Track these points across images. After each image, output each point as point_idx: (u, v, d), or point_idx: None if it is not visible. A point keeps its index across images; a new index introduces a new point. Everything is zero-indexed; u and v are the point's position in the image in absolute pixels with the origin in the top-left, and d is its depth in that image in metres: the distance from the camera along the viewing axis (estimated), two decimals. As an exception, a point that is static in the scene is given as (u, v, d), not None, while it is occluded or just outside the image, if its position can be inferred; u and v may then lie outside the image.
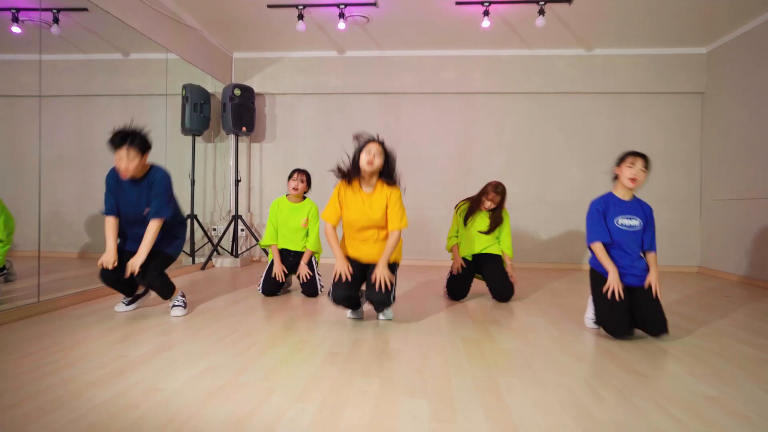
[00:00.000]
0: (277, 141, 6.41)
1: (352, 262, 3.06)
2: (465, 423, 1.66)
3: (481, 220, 3.96)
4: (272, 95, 6.42)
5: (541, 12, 4.76)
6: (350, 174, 3.03)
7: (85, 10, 4.41)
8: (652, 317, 2.75)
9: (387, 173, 3.02)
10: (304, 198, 4.15)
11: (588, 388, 2.02)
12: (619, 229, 2.85)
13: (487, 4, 4.75)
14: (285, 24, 5.36)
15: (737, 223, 5.29)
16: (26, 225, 3.86)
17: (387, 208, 3.02)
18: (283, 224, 4.06)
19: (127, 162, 2.93)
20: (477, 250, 3.97)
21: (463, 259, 3.98)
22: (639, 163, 2.81)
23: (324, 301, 3.79)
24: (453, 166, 6.18)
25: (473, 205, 3.98)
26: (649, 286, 2.81)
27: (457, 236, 4.03)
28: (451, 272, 4.00)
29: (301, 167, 4.23)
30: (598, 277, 2.92)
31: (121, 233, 3.22)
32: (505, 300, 3.87)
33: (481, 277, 4.04)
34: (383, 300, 2.92)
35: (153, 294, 3.55)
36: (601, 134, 6.09)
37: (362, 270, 3.08)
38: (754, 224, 5.01)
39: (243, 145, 6.40)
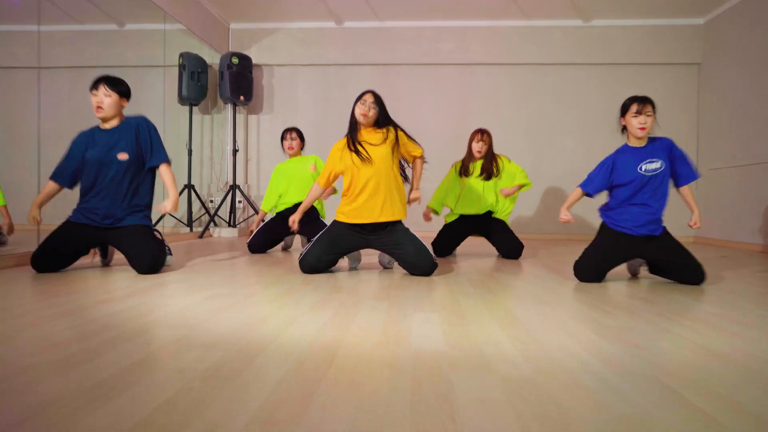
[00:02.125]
0: (275, 112, 6.38)
1: (346, 235, 2.91)
2: (476, 327, 1.67)
3: (478, 170, 3.96)
4: (270, 66, 6.39)
5: (541, -25, 4.75)
6: (350, 132, 2.98)
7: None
8: (689, 265, 2.65)
9: (384, 123, 2.98)
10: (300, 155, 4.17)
11: (595, 307, 2.03)
12: (646, 176, 2.73)
13: (486, -33, 4.74)
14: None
15: (733, 191, 5.32)
16: (25, 197, 3.82)
17: (394, 146, 2.94)
18: (290, 179, 4.05)
19: (101, 97, 2.79)
20: (482, 209, 3.92)
21: (460, 217, 3.98)
22: (644, 110, 2.72)
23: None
24: (450, 137, 6.17)
25: (466, 158, 3.98)
26: (667, 235, 2.76)
27: (443, 201, 4.05)
28: (439, 233, 4.02)
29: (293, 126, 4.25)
30: (605, 229, 2.87)
31: (83, 192, 2.90)
32: (516, 257, 3.89)
33: (480, 236, 4.04)
34: (428, 265, 2.80)
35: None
36: (596, 105, 6.10)
37: (354, 245, 2.94)
38: (749, 190, 5.04)
39: (240, 116, 6.37)
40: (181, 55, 5.57)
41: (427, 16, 6.00)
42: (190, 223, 5.60)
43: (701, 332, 1.64)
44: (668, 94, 6.06)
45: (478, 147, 3.91)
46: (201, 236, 5.51)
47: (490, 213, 3.96)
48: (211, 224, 5.81)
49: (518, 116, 6.21)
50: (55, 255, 2.76)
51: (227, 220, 5.99)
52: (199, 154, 6.15)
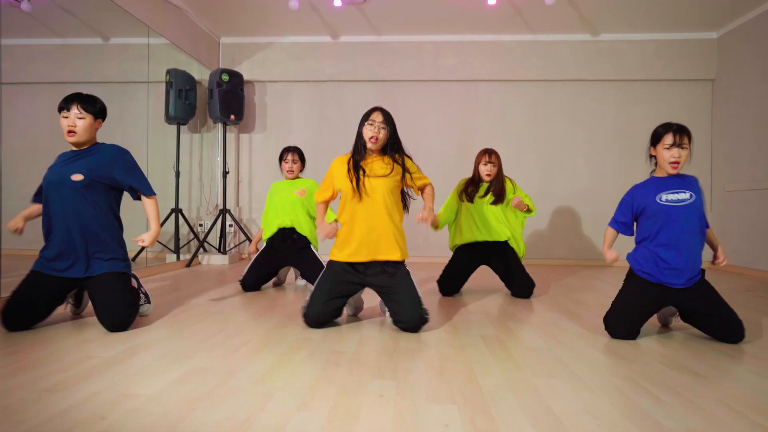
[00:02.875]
0: (268, 131, 6.06)
1: (344, 274, 2.60)
2: (509, 429, 1.35)
3: (483, 191, 3.61)
4: (262, 83, 6.07)
5: (551, -11, 4.47)
6: (355, 156, 2.63)
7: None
8: (728, 320, 2.34)
9: (394, 147, 2.65)
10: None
11: (640, 389, 1.72)
12: (666, 206, 2.36)
13: (492, -20, 4.46)
14: (275, 3, 5.02)
15: (751, 214, 5.03)
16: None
17: (401, 179, 2.65)
18: (278, 201, 3.75)
19: (74, 120, 2.45)
20: (492, 235, 3.56)
21: (463, 246, 3.65)
22: (680, 141, 2.35)
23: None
24: (453, 156, 5.86)
25: (474, 179, 3.65)
26: (704, 284, 2.41)
27: (450, 218, 3.70)
28: (447, 265, 3.68)
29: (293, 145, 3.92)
30: (633, 276, 2.52)
31: (47, 236, 2.53)
32: (527, 296, 3.54)
33: (489, 268, 3.72)
34: (416, 319, 2.47)
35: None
36: (607, 123, 5.81)
37: (353, 286, 2.63)
38: (764, 216, 4.76)
39: (231, 135, 6.04)
40: (168, 72, 5.25)
41: (428, 30, 5.71)
42: (177, 250, 5.27)
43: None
44: (681, 110, 5.78)
45: (486, 170, 3.57)
46: (189, 265, 5.17)
47: (500, 243, 3.61)
48: (200, 250, 5.48)
49: (525, 135, 5.91)
50: (28, 309, 2.40)
51: (217, 247, 5.65)
52: (188, 176, 5.82)
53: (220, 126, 5.85)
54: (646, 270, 2.44)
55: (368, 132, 2.56)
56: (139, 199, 2.65)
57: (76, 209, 2.46)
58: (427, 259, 5.77)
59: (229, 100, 5.46)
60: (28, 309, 2.41)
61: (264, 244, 3.81)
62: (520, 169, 5.79)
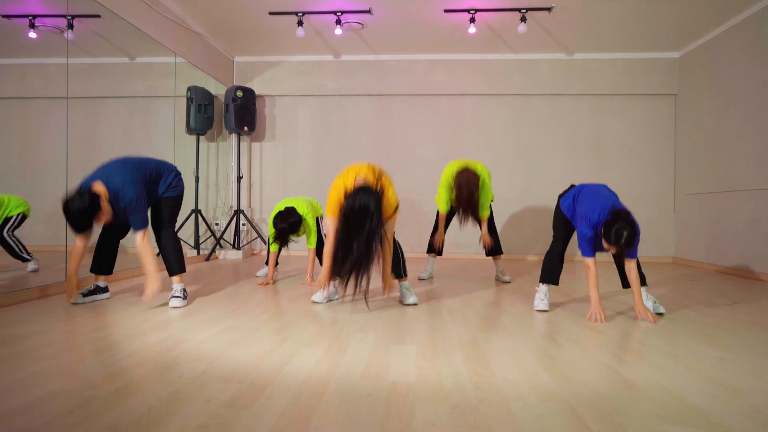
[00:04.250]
0: (277, 140, 6.77)
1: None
2: (443, 360, 2.03)
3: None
4: (272, 97, 6.79)
5: (523, 19, 5.15)
6: None
7: (98, 16, 4.74)
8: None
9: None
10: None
11: (551, 340, 2.39)
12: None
13: (473, 11, 5.14)
14: (285, 30, 5.73)
15: (707, 215, 5.69)
16: (51, 221, 4.15)
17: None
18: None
19: (95, 226, 2.98)
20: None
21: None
22: (614, 249, 2.76)
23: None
24: (443, 163, 6.53)
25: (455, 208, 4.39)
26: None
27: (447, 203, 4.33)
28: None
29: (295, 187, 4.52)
30: (560, 216, 3.23)
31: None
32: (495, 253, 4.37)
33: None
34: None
35: (107, 295, 3.36)
36: (581, 133, 6.48)
37: None
38: (723, 217, 5.41)
39: (244, 144, 6.76)
40: (189, 89, 5.95)
41: (420, 50, 6.40)
42: (197, 246, 5.97)
43: (629, 364, 2.00)
44: (647, 122, 6.45)
45: (462, 194, 4.16)
46: (208, 259, 5.87)
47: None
48: (217, 247, 6.18)
49: (508, 143, 6.59)
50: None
51: (232, 243, 6.36)
52: (206, 181, 6.52)
53: (234, 136, 6.55)
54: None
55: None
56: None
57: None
58: (421, 256, 6.46)
59: (243, 113, 6.17)
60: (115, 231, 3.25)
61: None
62: (503, 175, 6.47)
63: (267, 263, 4.45)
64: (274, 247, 4.18)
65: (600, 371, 1.90)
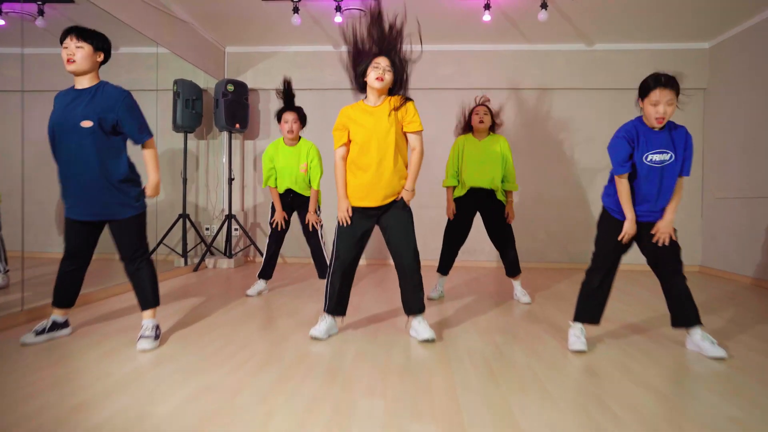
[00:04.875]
0: (272, 137, 6.26)
1: (356, 218, 2.82)
2: (479, 453, 1.55)
3: (477, 144, 3.89)
4: (266, 90, 6.27)
5: (544, 5, 4.62)
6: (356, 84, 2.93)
7: (71, 2, 4.25)
8: (667, 257, 2.62)
9: (398, 87, 2.87)
10: (300, 139, 4.05)
11: (603, 406, 1.91)
12: (648, 166, 2.55)
13: (488, -3, 4.62)
14: (280, 17, 5.20)
15: (740, 222, 5.20)
16: (10, 225, 3.73)
17: (398, 122, 2.80)
18: (281, 169, 3.96)
19: (72, 49, 2.46)
20: (480, 181, 3.78)
21: (461, 197, 3.86)
22: (665, 98, 2.50)
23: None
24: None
25: (465, 129, 4.00)
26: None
27: (456, 176, 3.87)
28: (448, 218, 3.91)
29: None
30: (610, 219, 2.70)
31: (59, 170, 2.60)
32: (505, 248, 3.86)
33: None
34: (413, 262, 2.79)
35: (67, 331, 2.84)
36: (602, 131, 5.96)
37: (365, 232, 2.84)
38: (757, 224, 4.92)
39: (236, 141, 6.25)
40: (176, 83, 5.44)
41: (426, 40, 5.83)
42: (185, 254, 5.48)
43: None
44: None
45: (478, 120, 3.89)
46: (196, 269, 5.39)
47: (493, 192, 3.84)
48: (207, 254, 5.69)
49: (521, 141, 6.08)
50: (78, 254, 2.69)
51: (223, 251, 5.87)
52: (195, 182, 6.02)
53: (225, 133, 6.04)
54: (620, 214, 2.65)
55: (374, 73, 2.79)
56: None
57: (87, 155, 2.52)
58: (426, 263, 5.97)
59: (234, 109, 5.65)
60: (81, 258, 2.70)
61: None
62: (516, 175, 5.96)
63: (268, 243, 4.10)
64: (271, 182, 3.99)
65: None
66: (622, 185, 2.60)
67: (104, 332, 2.89)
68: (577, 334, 2.70)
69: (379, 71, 2.75)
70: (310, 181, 4.03)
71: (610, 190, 2.72)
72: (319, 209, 4.10)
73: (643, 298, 4.06)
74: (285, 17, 5.14)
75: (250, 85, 6.13)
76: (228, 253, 5.82)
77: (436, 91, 6.13)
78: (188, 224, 5.57)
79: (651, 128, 2.60)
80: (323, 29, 5.55)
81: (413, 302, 2.83)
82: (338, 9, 4.79)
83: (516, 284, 3.97)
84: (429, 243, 5.99)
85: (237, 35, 5.83)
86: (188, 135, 5.68)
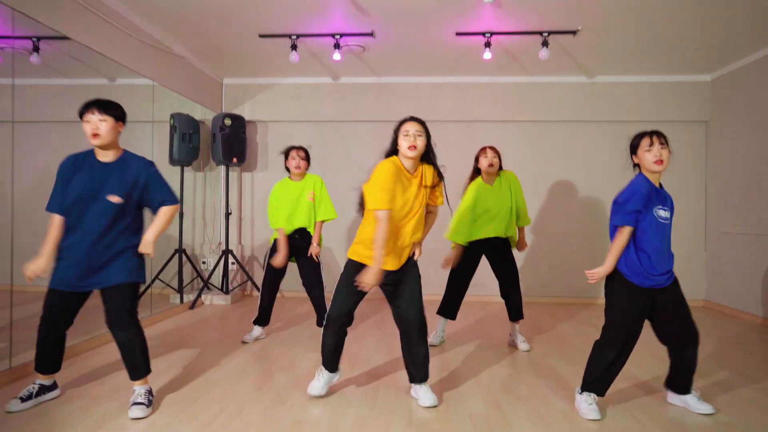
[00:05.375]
0: (270, 170, 6.18)
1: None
2: None
3: (489, 191, 3.85)
4: (264, 122, 6.21)
5: (545, 44, 4.58)
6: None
7: (66, 38, 4.20)
8: (682, 323, 2.54)
9: (429, 156, 2.73)
10: (305, 175, 4.10)
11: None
12: (658, 222, 2.49)
13: (488, 35, 4.57)
14: (277, 52, 5.15)
15: (745, 258, 5.12)
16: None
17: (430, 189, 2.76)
18: (288, 204, 3.94)
19: (96, 123, 2.48)
20: (491, 233, 3.78)
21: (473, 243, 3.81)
22: (657, 141, 2.52)
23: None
24: (451, 196, 5.94)
25: (473, 175, 4.00)
26: (677, 286, 2.59)
27: (467, 232, 3.80)
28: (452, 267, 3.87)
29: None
30: (624, 283, 2.52)
31: (64, 238, 2.57)
32: (511, 290, 3.80)
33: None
34: (421, 329, 2.67)
35: (56, 393, 2.74)
36: (603, 164, 5.90)
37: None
38: (763, 261, 4.84)
39: (234, 174, 6.18)
40: (172, 116, 5.38)
41: (426, 72, 5.84)
42: (180, 290, 5.39)
43: None
44: (676, 152, 5.73)
45: (486, 163, 3.88)
46: (192, 306, 5.29)
47: (502, 240, 3.84)
48: (204, 290, 5.60)
49: (523, 173, 5.94)
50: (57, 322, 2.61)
51: (220, 287, 5.77)
52: (191, 215, 5.94)
53: (222, 167, 5.97)
54: (637, 277, 2.51)
55: (406, 142, 2.61)
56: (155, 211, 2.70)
57: (104, 224, 2.53)
58: (429, 297, 5.88)
59: (232, 143, 5.59)
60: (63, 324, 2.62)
61: (273, 243, 4.03)
62: (517, 209, 5.90)
63: (260, 305, 4.04)
64: (281, 223, 3.92)
65: None
66: (621, 236, 2.51)
67: (94, 395, 2.79)
68: (590, 402, 2.56)
69: (410, 139, 2.60)
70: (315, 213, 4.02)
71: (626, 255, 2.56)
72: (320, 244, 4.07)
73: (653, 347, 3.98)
74: (283, 52, 5.08)
75: (247, 117, 6.07)
76: (225, 288, 5.72)
77: (437, 123, 6.05)
78: (184, 259, 5.48)
79: (655, 186, 2.56)
80: (321, 63, 5.51)
81: (417, 372, 2.71)
82: (337, 46, 4.73)
83: (516, 328, 3.88)
84: (432, 277, 5.90)
85: (235, 68, 5.79)
86: (185, 168, 5.61)
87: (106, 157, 2.58)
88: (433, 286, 5.76)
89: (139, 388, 2.59)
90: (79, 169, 2.56)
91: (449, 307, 3.93)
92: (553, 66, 5.52)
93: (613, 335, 2.54)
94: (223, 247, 5.77)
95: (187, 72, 5.36)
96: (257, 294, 5.90)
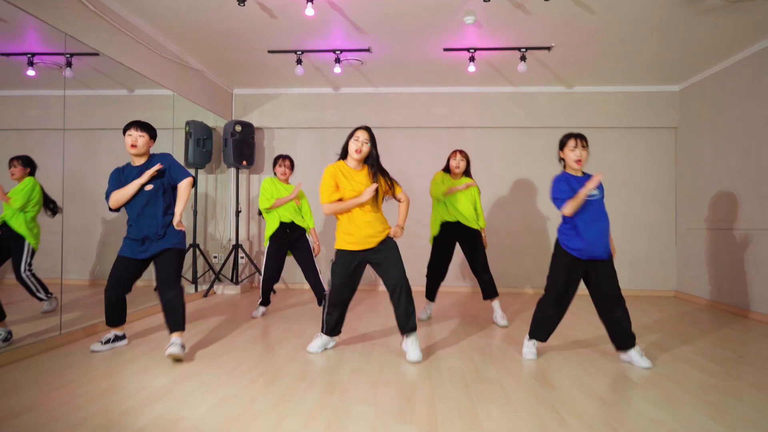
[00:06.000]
0: (276, 172, 6.74)
1: (347, 260, 3.30)
2: (447, 445, 1.98)
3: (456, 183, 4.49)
4: (271, 129, 6.77)
5: (523, 58, 5.14)
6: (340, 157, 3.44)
7: (96, 54, 4.72)
8: (613, 291, 3.13)
9: (374, 160, 3.36)
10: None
11: (553, 412, 2.34)
12: (588, 200, 3.07)
13: (472, 50, 5.13)
14: (284, 66, 5.72)
15: (708, 250, 5.65)
16: (50, 255, 4.14)
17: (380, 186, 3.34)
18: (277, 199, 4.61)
19: (135, 137, 3.30)
20: (466, 219, 4.39)
21: (443, 226, 4.46)
22: (579, 144, 3.15)
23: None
24: (442, 196, 6.51)
25: (445, 170, 4.60)
26: (610, 258, 3.17)
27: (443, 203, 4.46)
28: (432, 248, 4.52)
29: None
30: (561, 252, 3.22)
31: (128, 221, 3.39)
32: (483, 272, 4.40)
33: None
34: (402, 276, 3.25)
35: (124, 342, 3.57)
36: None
37: (358, 265, 3.33)
38: (722, 252, 5.37)
39: (243, 176, 6.73)
40: (188, 123, 5.94)
41: (420, 83, 6.40)
42: (195, 281, 5.93)
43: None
44: (648, 155, 6.44)
45: (454, 164, 4.49)
46: (206, 295, 5.83)
47: (471, 230, 4.44)
48: (216, 281, 6.13)
49: (508, 175, 6.57)
50: (119, 286, 3.37)
51: (230, 278, 6.31)
52: (204, 213, 6.49)
53: (233, 169, 6.53)
54: (574, 247, 3.14)
55: (353, 146, 3.29)
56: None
57: (154, 207, 3.32)
58: (420, 289, 6.40)
59: (242, 147, 6.15)
60: (120, 286, 3.38)
61: (269, 243, 4.67)
62: (503, 207, 6.46)
63: (262, 288, 4.71)
64: (270, 203, 4.59)
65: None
66: (570, 204, 3.09)
67: (152, 345, 3.36)
68: (530, 347, 3.32)
69: (358, 144, 3.30)
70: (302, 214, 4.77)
71: (563, 227, 3.21)
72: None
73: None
74: (289, 66, 5.66)
75: (256, 125, 6.64)
76: (235, 280, 6.26)
77: (430, 130, 6.63)
78: (198, 253, 6.02)
79: (576, 175, 3.21)
80: (324, 75, 6.08)
81: (407, 324, 3.26)
82: (337, 60, 5.31)
83: (496, 306, 4.44)
84: (422, 270, 6.43)
85: (245, 79, 6.36)
86: (199, 171, 6.16)
87: (139, 161, 3.40)
88: (413, 280, 6.25)
89: (176, 338, 3.22)
90: (123, 174, 3.39)
91: (431, 291, 4.56)
92: (533, 77, 6.08)
93: (549, 294, 3.26)
94: (234, 242, 6.31)
95: (202, 83, 5.93)
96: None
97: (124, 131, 3.35)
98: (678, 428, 2.18)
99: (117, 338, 3.50)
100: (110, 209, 3.33)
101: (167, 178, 3.38)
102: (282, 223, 4.60)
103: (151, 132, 3.41)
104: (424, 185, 6.53)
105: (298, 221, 4.68)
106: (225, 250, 6.61)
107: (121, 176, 3.37)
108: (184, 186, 3.37)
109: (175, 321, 3.26)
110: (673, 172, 6.42)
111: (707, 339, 3.92)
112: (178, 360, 3.14)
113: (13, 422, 2.16)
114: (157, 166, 3.30)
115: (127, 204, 3.33)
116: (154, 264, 3.36)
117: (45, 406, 2.36)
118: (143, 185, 3.30)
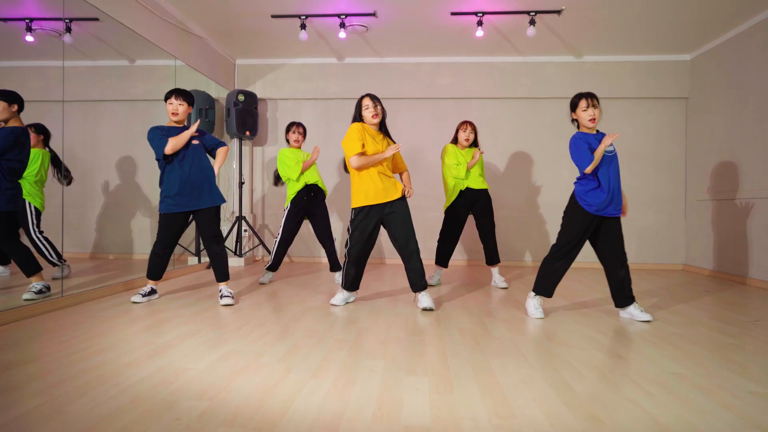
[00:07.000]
0: (279, 144, 6.64)
1: (365, 215, 3.45)
2: (461, 395, 1.91)
3: (466, 154, 4.52)
4: (274, 100, 6.66)
5: (532, 22, 5.01)
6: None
7: (96, 20, 4.61)
8: (619, 250, 3.18)
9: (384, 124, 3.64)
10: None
11: (570, 367, 2.27)
12: (606, 156, 3.11)
13: (480, 14, 5.00)
14: (287, 33, 5.60)
15: (719, 222, 5.55)
16: (51, 226, 4.08)
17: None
18: (297, 165, 4.58)
19: (176, 106, 3.62)
20: (471, 183, 4.46)
21: (456, 199, 4.47)
22: (591, 103, 3.13)
23: (331, 292, 4.00)
24: (448, 168, 6.41)
25: (453, 141, 4.62)
26: (619, 218, 3.21)
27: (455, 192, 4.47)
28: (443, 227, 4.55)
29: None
30: (577, 207, 3.18)
31: (169, 192, 3.61)
32: (489, 238, 4.49)
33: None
34: (413, 241, 3.46)
35: (157, 295, 3.86)
36: (590, 137, 6.33)
37: (375, 221, 3.48)
38: (735, 223, 5.27)
39: (246, 148, 6.63)
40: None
41: (425, 52, 6.27)
42: (198, 252, 5.85)
43: (658, 399, 1.87)
44: (658, 126, 6.32)
45: (464, 136, 4.51)
46: (209, 267, 5.75)
47: (482, 193, 4.50)
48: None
49: (515, 147, 6.46)
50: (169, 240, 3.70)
51: (233, 250, 6.23)
52: (207, 186, 6.40)
53: (236, 140, 6.42)
54: (592, 202, 3.13)
55: (370, 112, 3.50)
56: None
57: (199, 161, 3.69)
58: (425, 262, 6.33)
59: (245, 117, 6.04)
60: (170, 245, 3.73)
61: (289, 205, 4.63)
62: (510, 179, 6.35)
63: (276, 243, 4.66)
64: (295, 174, 4.57)
65: (628, 410, 1.78)
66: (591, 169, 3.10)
67: (139, 313, 3.26)
68: (536, 305, 3.31)
69: (372, 110, 3.52)
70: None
71: (585, 183, 3.18)
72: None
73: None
74: (292, 33, 5.54)
75: (259, 95, 6.52)
76: (239, 252, 6.19)
77: (435, 101, 6.51)
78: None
79: (591, 134, 3.18)
80: (328, 43, 5.95)
81: (418, 282, 3.46)
82: (342, 25, 5.18)
83: (495, 272, 4.54)
84: (429, 244, 6.35)
85: (247, 48, 6.23)
86: (201, 142, 6.06)
87: (179, 124, 3.74)
88: (430, 252, 6.18)
89: (224, 288, 3.71)
90: (166, 134, 3.60)
91: (443, 256, 4.50)
92: (542, 46, 5.95)
93: (559, 247, 3.23)
94: (237, 214, 6.23)
95: (204, 52, 5.81)
96: (268, 258, 6.38)
97: (166, 98, 3.65)
98: (704, 383, 2.10)
99: (152, 291, 3.78)
100: (163, 157, 3.56)
101: (201, 143, 3.74)
102: (306, 186, 4.59)
103: (189, 99, 3.71)
104: (428, 156, 6.44)
105: (321, 184, 4.71)
106: (228, 223, 6.52)
107: (163, 131, 3.60)
108: (223, 151, 3.87)
109: (222, 271, 3.74)
110: (684, 144, 6.31)
111: (725, 309, 3.84)
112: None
113: (9, 373, 2.09)
114: (197, 123, 3.67)
115: (177, 155, 3.60)
116: (196, 221, 3.72)
117: (44, 359, 2.29)
118: (190, 140, 3.63)
